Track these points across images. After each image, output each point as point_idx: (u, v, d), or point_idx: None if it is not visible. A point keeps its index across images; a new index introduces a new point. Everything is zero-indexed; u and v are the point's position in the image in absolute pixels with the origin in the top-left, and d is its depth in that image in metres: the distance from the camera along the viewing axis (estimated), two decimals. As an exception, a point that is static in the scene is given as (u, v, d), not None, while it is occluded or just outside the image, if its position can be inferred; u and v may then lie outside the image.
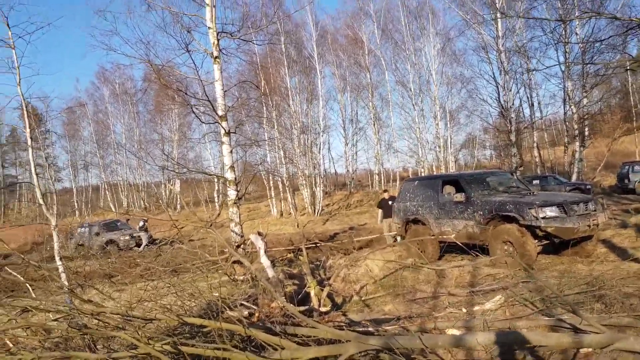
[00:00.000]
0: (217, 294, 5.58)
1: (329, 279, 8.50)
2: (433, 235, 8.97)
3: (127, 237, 19.14)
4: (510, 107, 21.85)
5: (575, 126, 23.83)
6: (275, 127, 26.83)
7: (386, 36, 30.06)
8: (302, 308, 5.87)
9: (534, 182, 21.32)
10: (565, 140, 25.19)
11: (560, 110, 25.93)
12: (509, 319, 4.87)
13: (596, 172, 26.99)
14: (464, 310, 5.66)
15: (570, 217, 7.33)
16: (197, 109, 12.07)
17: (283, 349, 3.57)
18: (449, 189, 9.13)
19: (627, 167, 21.73)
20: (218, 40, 10.89)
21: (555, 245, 8.12)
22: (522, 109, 28.13)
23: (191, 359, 3.43)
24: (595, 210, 7.84)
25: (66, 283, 6.97)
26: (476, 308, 5.70)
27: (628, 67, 19.07)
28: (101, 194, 44.86)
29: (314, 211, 26.88)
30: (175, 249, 10.20)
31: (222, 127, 10.64)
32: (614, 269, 7.11)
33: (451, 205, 8.70)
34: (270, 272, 7.43)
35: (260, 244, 8.01)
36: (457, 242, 7.85)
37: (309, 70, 28.96)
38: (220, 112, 10.67)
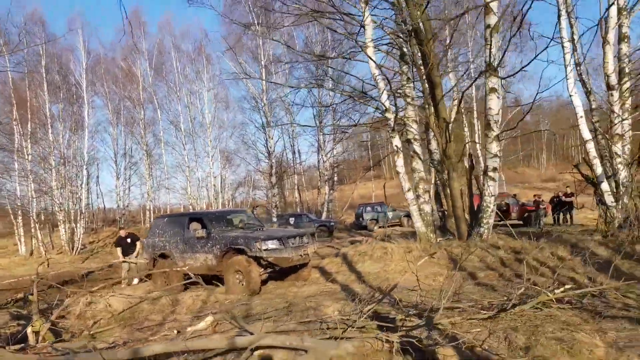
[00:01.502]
0: None
1: (62, 317, 8.28)
2: (176, 269, 9.47)
3: None
4: (271, 152, 24.29)
5: (326, 172, 27.80)
6: (27, 156, 23.76)
7: (160, 76, 30.07)
8: (17, 346, 5.84)
9: (290, 219, 23.94)
10: (319, 184, 29.05)
11: (316, 157, 29.83)
12: (207, 334, 5.67)
13: (342, 211, 31.79)
14: (176, 332, 6.27)
15: (287, 248, 8.81)
16: None
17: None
18: (195, 225, 9.84)
19: (362, 207, 26.26)
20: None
21: (279, 272, 9.57)
22: (286, 154, 31.50)
23: None
24: (307, 243, 9.47)
25: None
26: (189, 329, 6.37)
27: (343, 131, 23.33)
28: None
29: (72, 249, 24.41)
30: None
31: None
32: (315, 289, 8.83)
33: (195, 240, 9.46)
34: (-18, 312, 6.85)
35: (-29, 283, 7.27)
36: (190, 273, 8.53)
37: (76, 98, 26.76)
38: None
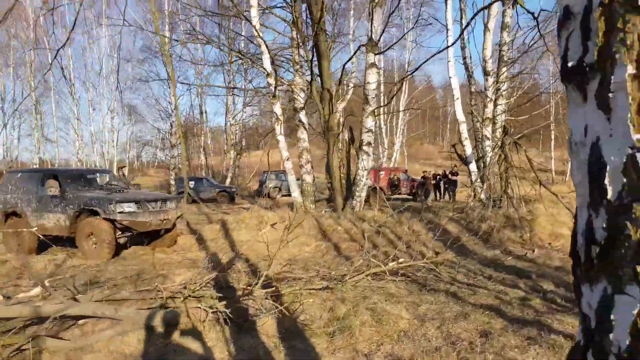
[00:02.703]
0: None
1: None
2: (27, 230, 8.79)
3: None
4: (173, 110, 23.10)
5: (233, 136, 27.12)
6: None
7: (56, 16, 27.21)
8: None
9: (190, 183, 23.19)
10: (225, 147, 28.33)
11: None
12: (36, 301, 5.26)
13: (250, 177, 31.41)
14: (1, 297, 5.80)
15: (144, 212, 8.48)
16: None
17: None
18: (51, 183, 9.15)
19: (265, 175, 25.92)
20: None
21: (144, 237, 9.23)
22: (193, 114, 30.22)
23: None
24: (171, 208, 9.20)
25: None
26: (21, 295, 5.93)
27: (233, 93, 22.74)
28: None
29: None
30: None
31: None
32: (180, 257, 8.65)
33: (48, 199, 8.83)
34: None
35: None
36: (40, 235, 7.95)
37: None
38: None
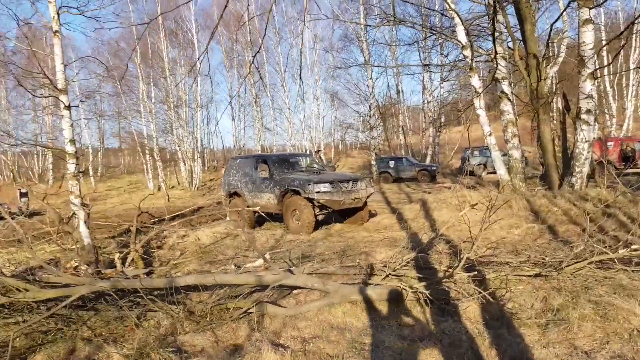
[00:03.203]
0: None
1: (159, 247, 9.46)
2: (248, 207, 10.29)
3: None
4: (371, 92, 23.75)
5: (431, 113, 26.60)
6: (152, 99, 26.48)
7: (264, 17, 30.75)
8: (109, 270, 6.72)
9: (390, 162, 23.71)
10: (423, 125, 27.98)
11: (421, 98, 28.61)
12: (260, 271, 6.12)
13: (452, 154, 30.47)
14: (234, 266, 6.87)
15: (338, 192, 9.18)
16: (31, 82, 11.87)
17: (27, 291, 4.42)
18: (263, 167, 10.52)
19: (468, 152, 24.78)
20: (58, 14, 10.91)
21: (341, 215, 10.10)
22: (390, 94, 30.65)
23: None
24: (362, 188, 9.74)
25: None
26: (248, 265, 6.94)
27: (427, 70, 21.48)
28: None
29: (192, 185, 27.19)
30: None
31: (62, 101, 10.80)
32: (381, 236, 8.90)
33: (261, 181, 10.22)
34: (87, 240, 8.10)
35: (81, 215, 8.56)
36: (260, 212, 9.19)
37: (190, 43, 28.63)
38: (60, 86, 10.79)
